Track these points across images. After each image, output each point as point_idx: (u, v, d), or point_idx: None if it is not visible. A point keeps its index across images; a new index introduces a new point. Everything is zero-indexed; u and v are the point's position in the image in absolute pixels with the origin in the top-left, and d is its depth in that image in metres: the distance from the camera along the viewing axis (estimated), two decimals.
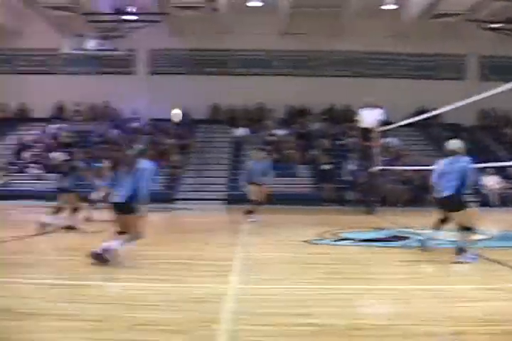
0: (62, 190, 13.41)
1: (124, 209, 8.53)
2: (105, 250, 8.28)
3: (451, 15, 26.76)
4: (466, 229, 9.15)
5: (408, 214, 19.87)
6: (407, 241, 11.88)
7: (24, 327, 5.28)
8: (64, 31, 27.64)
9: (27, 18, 28.40)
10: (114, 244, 8.38)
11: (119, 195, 8.58)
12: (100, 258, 8.25)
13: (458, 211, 9.16)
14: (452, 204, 9.20)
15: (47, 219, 12.93)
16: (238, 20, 28.44)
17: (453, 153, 9.44)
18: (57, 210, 13.15)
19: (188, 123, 28.54)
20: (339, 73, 30.36)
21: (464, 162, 9.30)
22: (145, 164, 8.68)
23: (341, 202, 22.73)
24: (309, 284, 7.37)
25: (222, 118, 29.87)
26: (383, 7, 26.04)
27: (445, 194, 9.24)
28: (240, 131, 28.00)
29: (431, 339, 5.18)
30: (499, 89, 9.36)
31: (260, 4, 27.19)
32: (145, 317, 5.63)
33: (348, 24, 28.36)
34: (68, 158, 13.95)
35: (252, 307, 6.14)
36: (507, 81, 9.50)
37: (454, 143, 9.52)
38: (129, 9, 24.90)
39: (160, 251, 10.30)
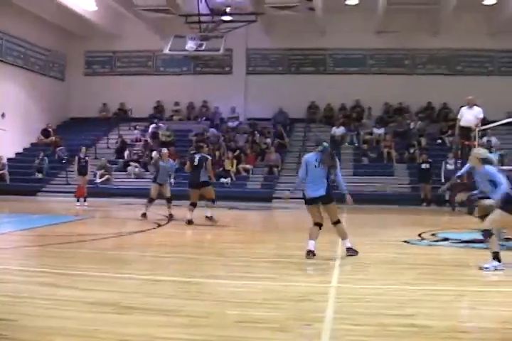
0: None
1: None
2: None
3: None
4: None
5: None
6: (509, 242, 11.54)
7: (129, 320, 5.40)
8: (162, 33, 28.20)
9: (126, 20, 29.12)
10: None
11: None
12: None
13: None
14: None
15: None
16: (334, 19, 28.29)
17: None
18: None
19: (286, 122, 28.63)
20: (436, 71, 29.80)
21: None
22: None
23: (440, 202, 22.28)
24: (409, 285, 7.24)
25: (320, 117, 29.78)
26: (483, 2, 25.37)
27: None
28: (338, 130, 27.84)
29: None
30: None
31: (356, 2, 26.96)
32: (247, 315, 5.65)
33: (445, 21, 27.78)
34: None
35: (352, 306, 6.09)
36: None
37: None
38: (225, 9, 25.11)
39: (258, 250, 10.37)
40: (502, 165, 17.87)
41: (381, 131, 27.22)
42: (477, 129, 17.17)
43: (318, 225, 9.35)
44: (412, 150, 25.57)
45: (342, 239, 9.47)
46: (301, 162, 9.60)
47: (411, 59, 30.16)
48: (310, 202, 9.40)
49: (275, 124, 28.63)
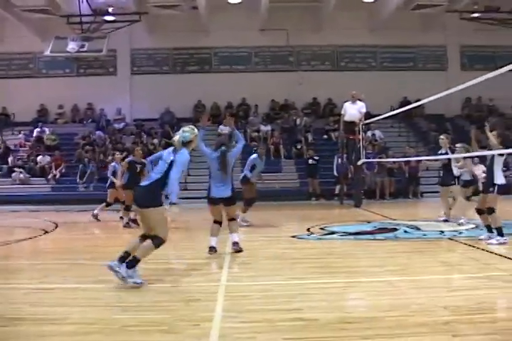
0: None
1: None
2: None
3: (430, 6, 26.75)
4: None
5: (395, 206, 19.92)
6: (395, 232, 11.91)
7: (14, 333, 5.26)
8: (43, 34, 27.52)
9: (5, 22, 28.23)
10: None
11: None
12: None
13: None
14: None
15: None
16: (218, 17, 28.32)
17: None
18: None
19: (173, 122, 28.46)
20: (320, 67, 30.42)
21: None
22: None
23: (328, 196, 22.71)
24: (298, 279, 7.35)
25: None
26: (364, 0, 26.02)
27: None
28: (225, 128, 27.94)
29: (423, 330, 5.18)
30: (480, 79, 9.36)
31: (239, 0, 27.11)
32: (135, 318, 5.62)
33: (327, 18, 28.35)
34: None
35: (241, 304, 6.15)
36: (489, 70, 9.51)
37: None
38: (107, 9, 24.76)
39: None
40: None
41: (268, 128, 27.52)
42: (361, 123, 17.61)
43: (218, 223, 9.61)
44: (299, 146, 25.95)
45: (230, 232, 9.69)
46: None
47: (295, 56, 30.60)
48: (213, 202, 9.57)
49: (162, 124, 28.42)
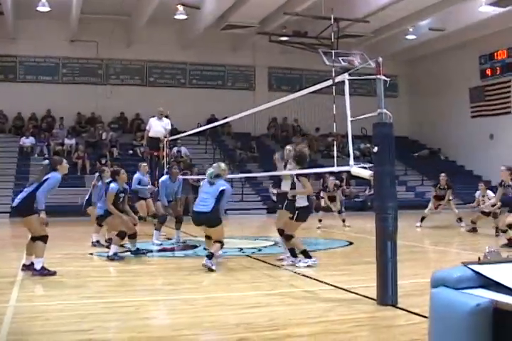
0: None
1: None
2: None
3: (241, 27, 27.40)
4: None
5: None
6: (195, 249, 12.00)
7: None
8: None
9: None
10: None
11: None
12: None
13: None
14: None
15: None
16: (25, 24, 27.38)
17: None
18: None
19: None
20: (130, 81, 30.32)
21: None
22: None
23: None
24: (92, 298, 7.15)
25: (9, 127, 28.58)
26: (175, 17, 26.16)
27: None
28: (27, 140, 27.00)
29: None
30: (285, 99, 9.68)
31: (48, 9, 26.25)
32: None
33: (139, 32, 28.31)
34: None
35: (30, 326, 5.85)
36: (293, 91, 9.84)
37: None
38: None
39: None
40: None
41: (73, 141, 26.91)
42: (165, 140, 17.62)
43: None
44: (103, 161, 25.54)
45: (35, 257, 8.99)
46: None
47: (105, 69, 30.23)
48: None
49: None
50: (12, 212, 9.22)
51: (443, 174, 17.84)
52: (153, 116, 18.11)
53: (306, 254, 9.66)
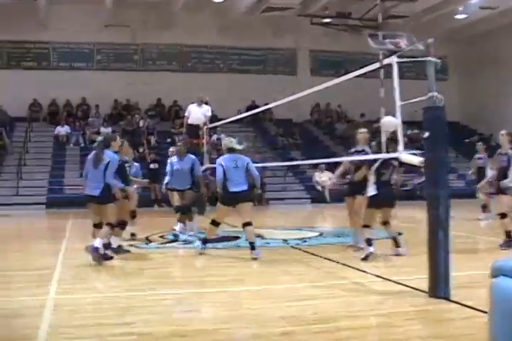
0: None
1: None
2: None
3: (281, 9, 27.31)
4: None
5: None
6: (237, 241, 12.01)
7: None
8: None
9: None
10: None
11: None
12: None
13: None
14: None
15: None
16: (59, 10, 27.63)
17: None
18: None
19: (6, 122, 27.42)
20: (167, 67, 30.37)
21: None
22: None
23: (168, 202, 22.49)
24: (132, 291, 7.22)
25: (43, 115, 28.92)
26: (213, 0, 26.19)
27: None
28: (62, 129, 27.30)
29: None
30: (329, 84, 9.58)
31: None
32: None
33: (176, 16, 28.37)
34: None
35: (70, 319, 5.93)
36: (338, 76, 9.76)
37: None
38: None
39: None
40: None
41: (109, 129, 27.07)
42: (205, 127, 17.63)
43: None
44: (141, 150, 25.69)
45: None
46: None
47: (141, 54, 30.37)
48: None
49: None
50: (91, 200, 9.35)
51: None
52: (193, 103, 18.10)
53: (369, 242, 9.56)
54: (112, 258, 9.31)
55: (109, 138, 9.95)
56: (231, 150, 10.12)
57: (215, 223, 10.24)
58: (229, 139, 10.35)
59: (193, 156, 12.94)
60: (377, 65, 7.70)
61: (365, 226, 9.53)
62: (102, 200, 9.37)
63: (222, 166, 9.90)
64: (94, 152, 9.65)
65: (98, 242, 9.07)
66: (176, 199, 12.81)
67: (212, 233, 10.58)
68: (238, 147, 10.23)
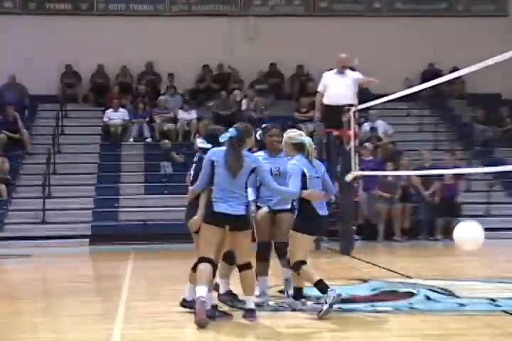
0: None
1: None
2: None
3: None
4: None
5: (412, 252, 19.91)
6: (410, 299, 11.78)
7: None
8: None
9: None
10: None
11: None
12: None
13: None
14: None
15: None
16: None
17: None
18: None
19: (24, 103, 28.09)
20: (284, 10, 30.50)
21: None
22: None
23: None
24: None
25: (84, 92, 29.27)
26: None
27: None
28: (115, 115, 27.69)
29: None
30: None
31: None
32: None
33: None
34: None
35: None
36: None
37: None
38: None
39: None
40: None
41: (192, 115, 27.16)
42: (354, 109, 17.45)
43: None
44: None
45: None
46: None
47: None
48: None
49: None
50: (226, 222, 9.50)
51: None
52: (330, 70, 18.04)
53: None
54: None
55: (246, 131, 9.89)
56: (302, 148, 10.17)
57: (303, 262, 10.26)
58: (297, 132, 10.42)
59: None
60: None
61: None
62: (246, 223, 9.80)
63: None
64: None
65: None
66: None
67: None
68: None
